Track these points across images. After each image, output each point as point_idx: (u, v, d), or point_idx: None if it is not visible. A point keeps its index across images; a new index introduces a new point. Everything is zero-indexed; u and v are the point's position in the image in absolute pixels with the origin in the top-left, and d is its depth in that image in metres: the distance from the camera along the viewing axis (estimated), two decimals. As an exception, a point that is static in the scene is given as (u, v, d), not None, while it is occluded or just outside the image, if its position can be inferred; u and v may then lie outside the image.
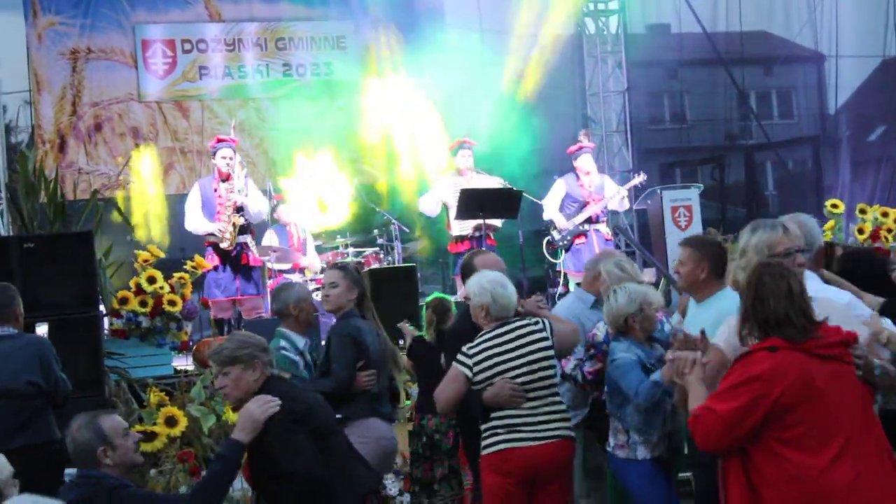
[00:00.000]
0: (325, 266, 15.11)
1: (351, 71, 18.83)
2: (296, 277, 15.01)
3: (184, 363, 12.61)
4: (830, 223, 13.43)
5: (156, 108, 18.31)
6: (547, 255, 15.36)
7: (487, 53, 19.10)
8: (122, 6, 17.99)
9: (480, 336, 7.27)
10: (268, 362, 6.59)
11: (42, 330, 9.39)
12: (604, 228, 15.48)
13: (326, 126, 18.34)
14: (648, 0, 23.13)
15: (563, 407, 7.34)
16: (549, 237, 15.39)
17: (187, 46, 18.37)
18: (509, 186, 14.77)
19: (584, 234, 15.14)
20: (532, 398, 7.17)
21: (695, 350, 5.59)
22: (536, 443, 7.14)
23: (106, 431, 5.82)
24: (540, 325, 7.27)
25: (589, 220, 15.19)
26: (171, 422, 10.19)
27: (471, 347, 7.23)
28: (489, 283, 7.29)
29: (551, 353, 7.25)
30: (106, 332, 12.01)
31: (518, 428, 7.15)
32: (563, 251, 15.14)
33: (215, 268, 13.62)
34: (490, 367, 7.18)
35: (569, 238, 15.14)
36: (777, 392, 5.18)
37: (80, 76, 17.87)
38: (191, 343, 12.69)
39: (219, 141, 14.02)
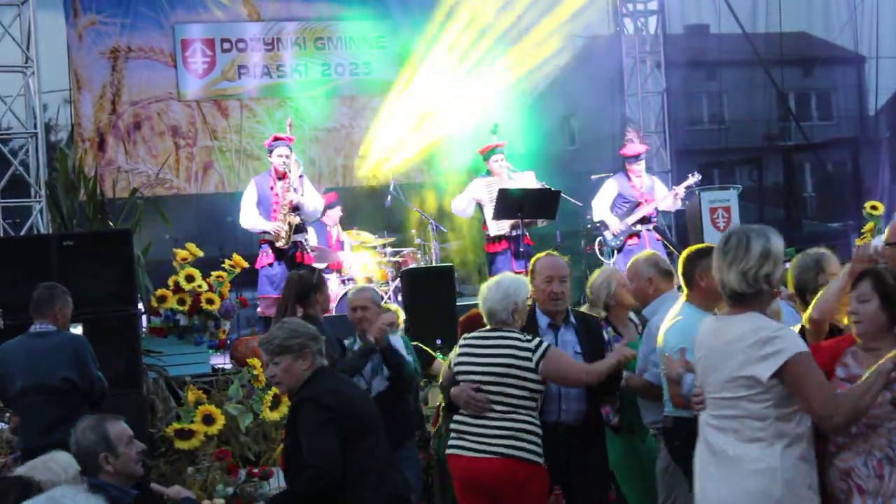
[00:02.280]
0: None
1: (389, 70, 18.84)
2: (333, 277, 15.04)
3: (221, 361, 12.62)
4: (869, 225, 13.33)
5: (195, 107, 18.34)
6: (599, 255, 15.29)
7: (525, 53, 19.05)
8: (161, 5, 18.03)
9: (472, 334, 7.38)
10: (318, 351, 6.60)
11: (76, 330, 9.41)
12: (655, 230, 15.43)
13: (364, 125, 18.37)
14: (687, 0, 23.07)
15: (522, 427, 7.10)
16: (600, 238, 15.32)
17: (226, 46, 18.40)
18: (544, 184, 14.71)
19: (637, 234, 15.08)
20: (492, 411, 7.10)
21: None
22: (473, 454, 7.11)
23: (111, 437, 5.77)
24: (531, 344, 7.14)
25: (641, 221, 15.14)
26: (208, 420, 10.22)
27: (462, 341, 7.36)
28: (491, 283, 7.35)
29: (527, 373, 7.09)
30: (144, 330, 12.05)
31: (464, 436, 7.19)
32: (616, 252, 15.07)
33: (270, 264, 13.58)
34: (461, 366, 7.26)
35: (622, 239, 15.08)
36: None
37: (120, 75, 17.92)
38: (228, 341, 12.70)
39: (276, 139, 13.93)
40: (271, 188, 13.72)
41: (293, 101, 18.74)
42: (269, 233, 13.56)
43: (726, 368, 5.27)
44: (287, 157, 13.65)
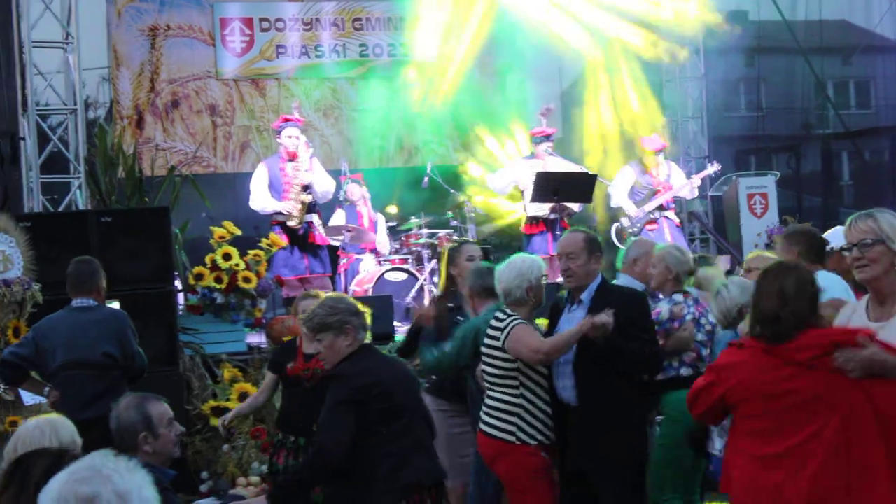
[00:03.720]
0: (397, 247, 15.13)
1: (427, 52, 18.79)
2: (368, 257, 15.04)
3: (257, 340, 12.67)
4: (907, 213, 13.26)
5: (233, 85, 18.35)
6: (616, 241, 15.28)
7: (559, 39, 18.97)
8: (201, -16, 18.09)
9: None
10: (360, 326, 6.60)
11: (114, 306, 9.45)
12: (673, 216, 15.41)
13: (401, 106, 18.36)
14: (727, -13, 22.95)
15: (496, 405, 7.32)
16: (618, 223, 15.33)
17: (265, 25, 18.39)
18: (586, 171, 14.72)
19: (656, 220, 15.08)
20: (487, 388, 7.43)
21: None
22: (480, 429, 7.43)
23: (153, 418, 5.72)
24: (503, 323, 7.28)
25: (660, 208, 15.13)
26: (244, 398, 10.27)
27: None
28: (501, 267, 7.56)
29: (497, 351, 7.28)
30: (181, 307, 12.11)
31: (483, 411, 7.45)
32: (633, 238, 15.04)
33: (283, 247, 13.60)
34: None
35: (639, 225, 15.08)
36: (723, 388, 5.32)
37: (159, 53, 17.94)
38: (264, 320, 12.74)
39: (284, 120, 14.02)
40: (282, 169, 13.78)
41: (331, 81, 18.74)
42: (281, 213, 13.61)
43: None
44: (297, 137, 13.76)
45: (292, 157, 13.76)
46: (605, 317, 6.85)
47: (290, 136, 13.80)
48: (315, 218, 13.94)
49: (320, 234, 13.95)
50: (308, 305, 7.57)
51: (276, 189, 13.75)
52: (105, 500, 3.09)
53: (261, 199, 13.85)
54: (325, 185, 14.04)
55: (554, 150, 15.19)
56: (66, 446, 5.14)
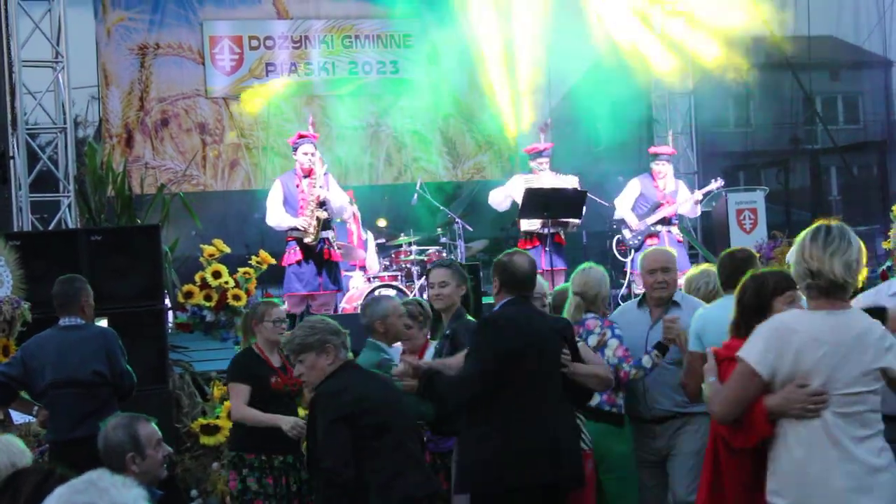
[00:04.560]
0: (386, 264, 15.16)
1: (416, 69, 18.85)
2: (357, 275, 15.05)
3: (247, 358, 12.65)
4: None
5: (222, 104, 18.39)
6: (616, 254, 15.32)
7: (553, 54, 19.03)
8: (190, 2, 18.05)
9: None
10: (340, 345, 6.61)
11: (102, 324, 9.44)
12: (675, 231, 15.44)
13: (391, 124, 18.40)
14: (715, 2, 22.98)
15: None
16: (619, 236, 15.36)
17: (254, 43, 18.42)
18: (577, 187, 14.74)
19: (657, 234, 15.09)
20: None
21: None
22: None
23: (141, 438, 5.74)
24: None
25: (662, 222, 15.15)
26: (233, 416, 10.25)
27: None
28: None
29: None
30: (170, 325, 12.12)
31: None
32: (633, 251, 15.07)
33: (298, 262, 13.53)
34: None
35: (640, 238, 15.10)
36: None
37: (148, 71, 17.96)
38: (254, 338, 12.74)
39: (300, 137, 13.95)
40: (297, 186, 13.70)
41: (320, 99, 18.77)
42: (297, 229, 13.53)
43: (861, 363, 5.19)
44: (312, 154, 13.64)
45: (308, 174, 13.66)
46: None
47: (305, 153, 13.67)
48: (331, 234, 13.85)
49: (335, 251, 13.87)
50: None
51: (291, 205, 13.66)
52: None
53: (277, 216, 13.74)
54: (339, 201, 13.96)
55: (552, 165, 15.17)
56: (21, 465, 5.10)
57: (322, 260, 13.55)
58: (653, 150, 15.55)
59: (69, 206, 14.81)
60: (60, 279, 8.80)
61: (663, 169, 15.31)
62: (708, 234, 17.93)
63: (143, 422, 5.85)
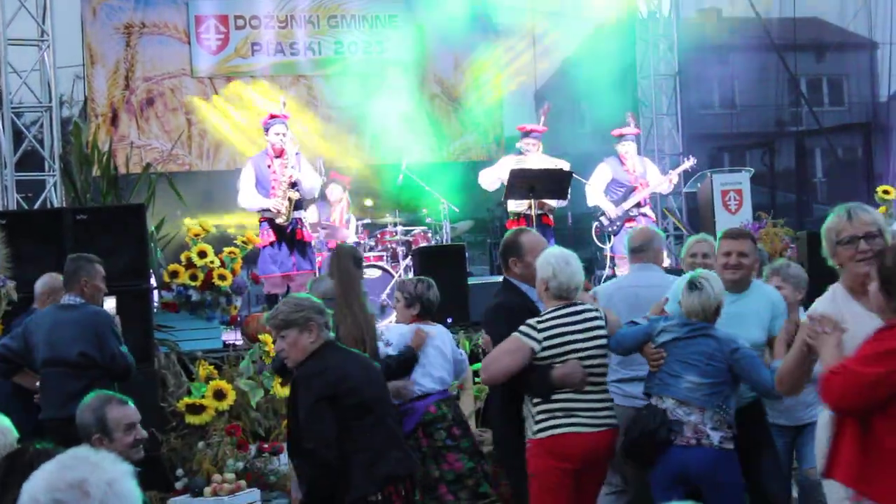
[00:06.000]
0: (372, 244, 15.15)
1: (402, 50, 18.83)
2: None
3: (233, 337, 12.68)
4: (881, 209, 13.34)
5: (208, 83, 18.37)
6: (595, 240, 15.33)
7: (538, 35, 19.05)
8: (175, -19, 18.08)
9: (550, 312, 7.10)
10: (323, 324, 6.62)
11: (109, 303, 9.44)
12: (650, 212, 15.47)
13: (377, 104, 18.39)
14: (701, -17, 23.05)
15: (610, 395, 7.26)
16: (596, 223, 15.34)
17: (240, 22, 18.40)
18: (562, 167, 14.72)
19: (634, 218, 15.10)
20: (592, 383, 7.06)
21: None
22: (595, 430, 7.03)
23: (108, 421, 5.65)
24: (600, 314, 7.17)
25: (637, 205, 15.16)
26: (219, 395, 10.28)
27: (540, 321, 7.06)
28: (554, 258, 7.15)
29: (606, 341, 7.15)
30: (156, 305, 12.12)
31: (577, 413, 7.01)
32: (612, 236, 15.07)
33: (272, 244, 13.53)
34: (560, 346, 7.02)
35: (618, 224, 15.10)
36: None
37: (134, 51, 17.95)
38: (240, 317, 12.76)
39: (272, 117, 13.94)
40: (269, 166, 13.69)
41: (306, 79, 18.76)
42: (269, 210, 13.54)
43: None
44: (284, 134, 13.64)
45: (279, 154, 13.65)
46: None
47: (277, 133, 13.65)
48: (303, 214, 13.85)
49: (307, 230, 13.88)
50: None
51: (263, 186, 13.65)
52: (94, 484, 3.12)
53: (248, 197, 13.73)
54: (311, 182, 13.94)
55: (542, 147, 15.13)
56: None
57: (294, 240, 13.58)
58: (616, 131, 15.48)
59: (55, 185, 14.78)
60: (70, 256, 8.95)
61: (630, 149, 15.31)
62: (693, 215, 17.95)
63: (115, 403, 5.75)
